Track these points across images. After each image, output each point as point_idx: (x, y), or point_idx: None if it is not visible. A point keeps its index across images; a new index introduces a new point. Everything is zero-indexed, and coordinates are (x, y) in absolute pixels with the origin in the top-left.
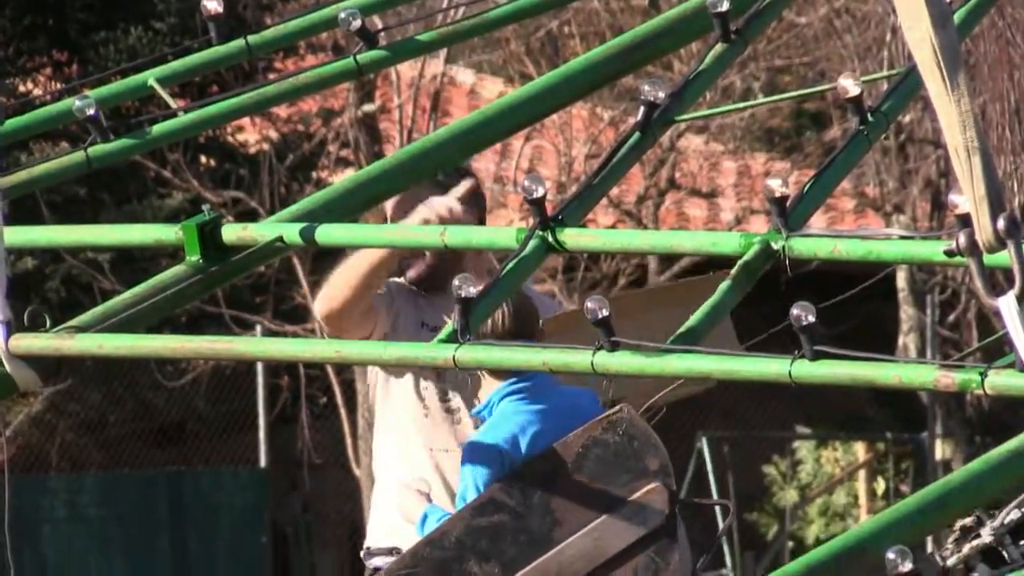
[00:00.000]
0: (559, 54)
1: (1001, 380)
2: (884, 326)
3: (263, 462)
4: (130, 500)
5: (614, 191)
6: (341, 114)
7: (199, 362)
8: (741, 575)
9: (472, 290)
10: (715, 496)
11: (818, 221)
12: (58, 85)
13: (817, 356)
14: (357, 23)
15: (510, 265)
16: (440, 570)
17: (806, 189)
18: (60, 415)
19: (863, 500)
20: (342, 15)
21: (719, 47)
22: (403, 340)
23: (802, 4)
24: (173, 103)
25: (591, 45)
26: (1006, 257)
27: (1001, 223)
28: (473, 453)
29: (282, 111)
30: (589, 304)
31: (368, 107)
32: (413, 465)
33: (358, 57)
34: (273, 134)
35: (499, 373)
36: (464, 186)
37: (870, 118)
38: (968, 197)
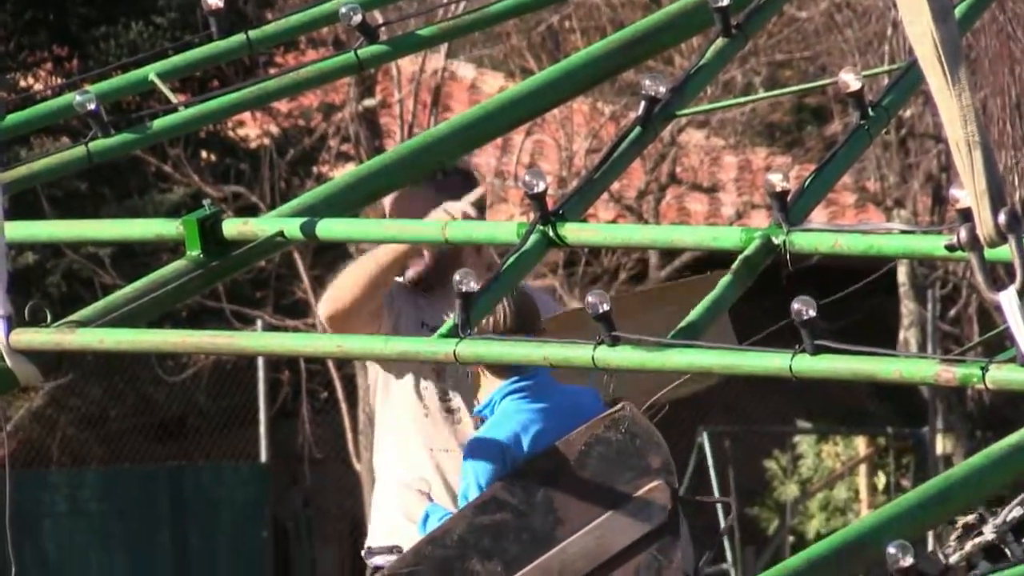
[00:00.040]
0: (560, 49)
1: (1002, 375)
2: (885, 321)
3: (264, 457)
4: (131, 495)
5: (615, 186)
6: (342, 109)
7: (200, 357)
8: (742, 570)
9: (473, 285)
10: (716, 490)
11: (819, 216)
12: (59, 80)
13: (818, 351)
14: (358, 18)
15: (511, 260)
16: (442, 568)
17: (807, 184)
18: (61, 410)
19: (864, 495)
20: (343, 10)
21: (720, 42)
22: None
23: None
24: (174, 98)
25: (592, 40)
26: (1007, 252)
27: (1002, 218)
28: (475, 451)
29: (283, 106)
30: (590, 299)
31: (369, 102)
32: (413, 465)
33: (359, 52)
34: (274, 129)
35: (500, 372)
36: (477, 192)
37: (871, 113)
38: (969, 192)
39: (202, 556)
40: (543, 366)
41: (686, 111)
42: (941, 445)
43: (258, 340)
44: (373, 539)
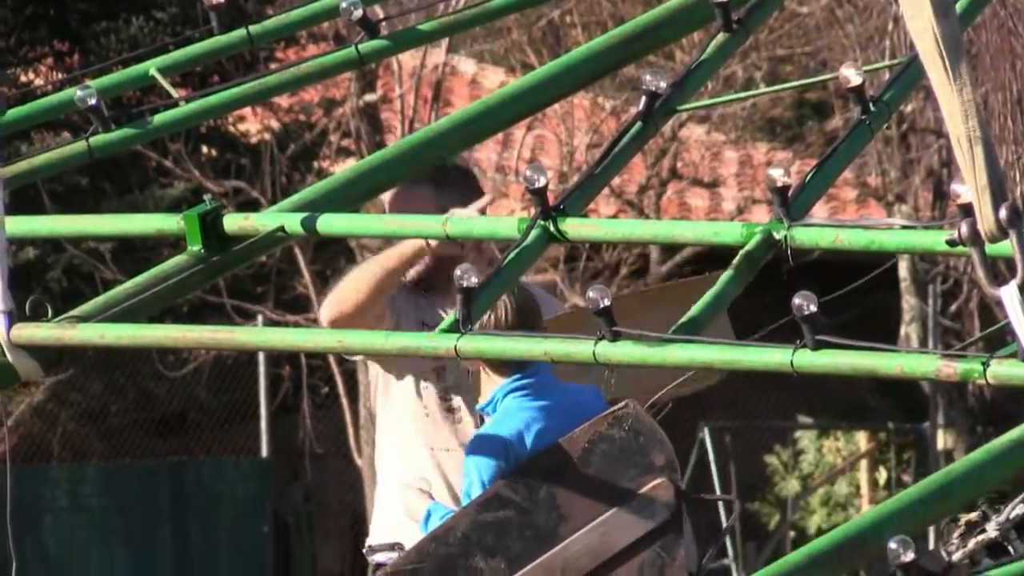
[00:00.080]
0: (561, 44)
1: (1003, 370)
2: (886, 316)
3: (265, 452)
4: (131, 490)
5: (616, 181)
6: (343, 104)
7: (200, 352)
8: (743, 565)
9: (474, 280)
10: (717, 485)
11: (820, 211)
12: (59, 75)
13: (819, 346)
14: (359, 12)
15: (512, 255)
16: (446, 565)
17: (808, 179)
18: (61, 405)
19: (865, 490)
20: (344, 4)
21: (721, 37)
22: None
23: None
24: (174, 93)
25: (593, 35)
26: (1008, 247)
27: (1003, 213)
28: (478, 449)
29: (283, 101)
30: (591, 294)
31: (370, 97)
32: (414, 465)
33: (360, 47)
34: (274, 124)
35: (502, 370)
36: (485, 200)
37: (872, 108)
38: (970, 187)
39: (203, 551)
40: (545, 365)
41: (687, 106)
42: (942, 440)
43: (259, 335)
44: (374, 537)
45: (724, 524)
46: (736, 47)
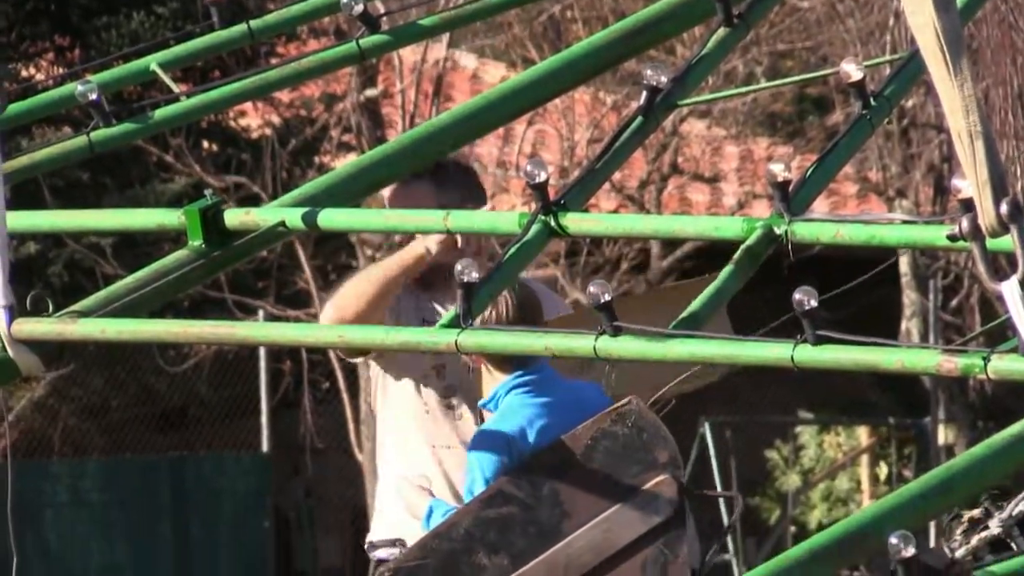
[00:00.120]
0: (561, 38)
1: (1004, 365)
2: (887, 311)
3: (265, 447)
4: (132, 485)
5: (616, 176)
6: (343, 99)
7: (201, 347)
8: (743, 560)
9: (474, 275)
10: (718, 481)
11: (820, 206)
12: (60, 70)
13: (819, 341)
14: (359, 7)
15: (512, 250)
16: (449, 562)
17: (809, 174)
18: (62, 400)
19: (866, 485)
20: (344, 0)
21: (721, 31)
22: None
23: None
24: (175, 88)
25: (593, 29)
26: (1009, 242)
27: (1004, 207)
28: (481, 445)
29: (284, 96)
30: (592, 289)
31: (370, 92)
32: (415, 462)
33: (360, 42)
34: (275, 119)
35: (504, 366)
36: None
37: (873, 103)
38: (971, 182)
39: (203, 546)
40: (546, 362)
41: (688, 101)
42: (943, 435)
43: (260, 330)
44: (375, 533)
45: (725, 520)
46: (737, 42)
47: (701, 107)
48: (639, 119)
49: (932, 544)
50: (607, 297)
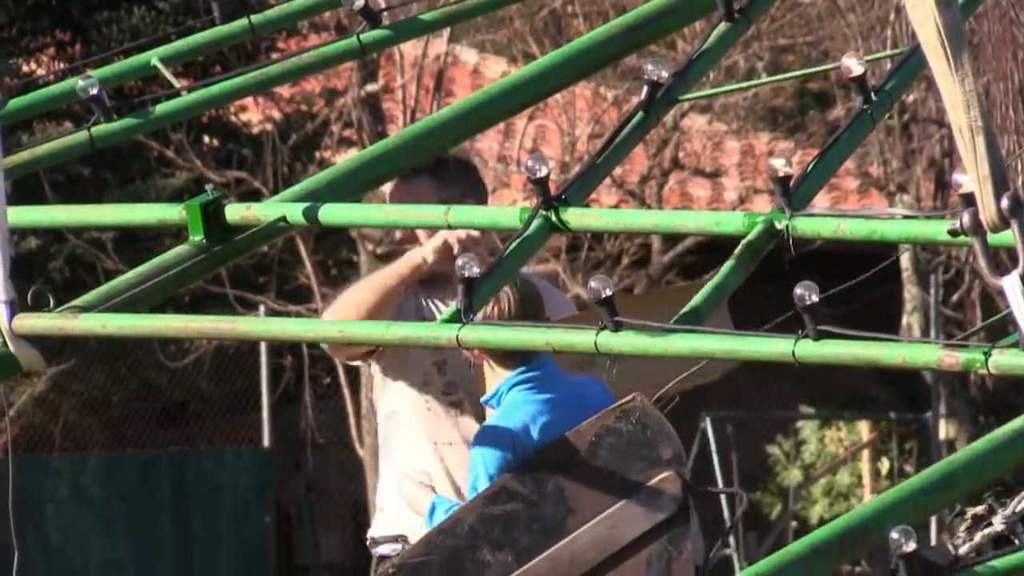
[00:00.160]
0: (562, 33)
1: (1005, 360)
2: (888, 306)
3: (266, 442)
4: (133, 480)
5: (617, 171)
6: (344, 94)
7: (202, 342)
8: (744, 555)
9: (475, 270)
10: (719, 476)
11: (821, 201)
12: (61, 65)
13: (820, 336)
14: (360, 2)
15: (513, 245)
16: (453, 558)
17: (810, 169)
18: (63, 395)
19: (867, 480)
20: None
21: (723, 26)
22: (405, 349)
23: None
24: (176, 83)
25: (594, 24)
26: (1010, 236)
27: (1005, 202)
28: (484, 442)
29: (285, 91)
30: (592, 284)
31: (371, 87)
32: (416, 459)
33: (361, 37)
34: (276, 114)
35: (506, 363)
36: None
37: (874, 97)
38: (972, 176)
39: (204, 541)
40: (548, 358)
41: (689, 96)
42: (944, 430)
43: (261, 325)
44: (377, 529)
45: (726, 515)
46: (738, 37)
47: (702, 102)
48: (640, 114)
49: (934, 540)
50: (608, 292)
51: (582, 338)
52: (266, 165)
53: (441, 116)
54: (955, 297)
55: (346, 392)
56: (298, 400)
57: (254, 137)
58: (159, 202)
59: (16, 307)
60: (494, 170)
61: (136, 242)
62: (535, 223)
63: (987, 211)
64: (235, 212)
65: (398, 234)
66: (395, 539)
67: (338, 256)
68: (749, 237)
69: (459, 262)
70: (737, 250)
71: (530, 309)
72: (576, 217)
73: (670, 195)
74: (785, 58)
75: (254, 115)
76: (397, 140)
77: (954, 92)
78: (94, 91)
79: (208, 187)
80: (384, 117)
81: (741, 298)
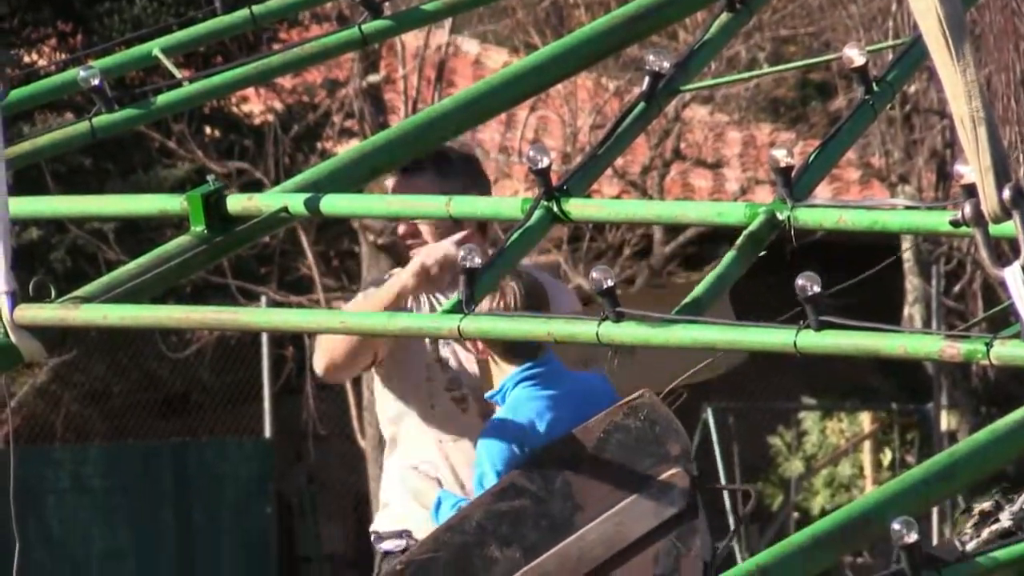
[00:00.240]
0: (564, 24)
1: (1006, 350)
2: (889, 297)
3: (268, 433)
4: (134, 471)
5: (619, 161)
6: (346, 85)
7: (204, 333)
8: (746, 546)
9: (477, 260)
10: (720, 467)
11: (823, 191)
12: (63, 56)
13: (822, 326)
14: None
15: (515, 235)
16: (461, 554)
17: (811, 159)
18: (65, 386)
19: (868, 471)
20: None
21: (724, 17)
22: (406, 347)
23: None
24: (178, 73)
25: (596, 15)
26: (1012, 227)
27: (1007, 193)
28: (490, 439)
29: (287, 82)
30: (594, 274)
31: (373, 78)
32: (421, 452)
33: (363, 27)
34: (278, 105)
35: (511, 358)
36: (462, 234)
37: (875, 88)
38: (974, 167)
39: (206, 532)
40: (553, 355)
41: (690, 86)
42: (946, 421)
43: (262, 316)
44: (381, 524)
45: (728, 507)
46: (739, 27)
47: (704, 93)
48: (641, 105)
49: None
50: (610, 283)
51: (584, 329)
52: (267, 156)
53: (443, 107)
54: (957, 288)
55: (348, 383)
56: (300, 391)
57: (255, 128)
58: (160, 193)
59: (17, 298)
60: (496, 161)
61: (138, 233)
62: (537, 214)
63: (989, 202)
64: (236, 203)
65: (400, 229)
66: (399, 535)
67: (340, 247)
68: (751, 228)
69: (460, 252)
70: (738, 241)
71: (535, 304)
72: (578, 208)
73: (672, 186)
74: (787, 49)
75: (256, 106)
76: (398, 131)
77: (956, 83)
78: (95, 81)
79: (210, 178)
80: (386, 108)
81: (743, 289)
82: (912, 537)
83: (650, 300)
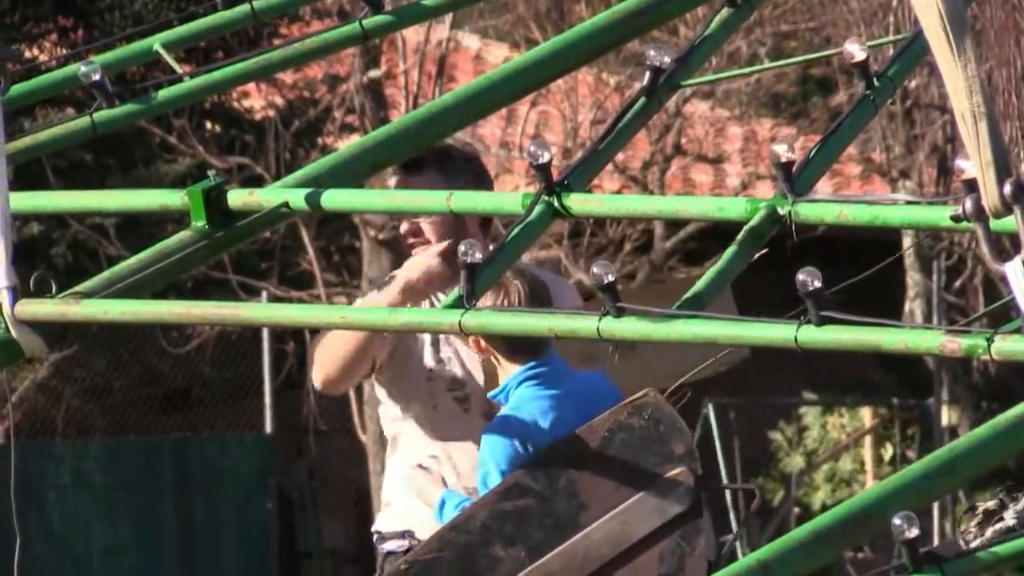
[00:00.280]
0: (565, 19)
1: (1007, 345)
2: (890, 292)
3: (269, 428)
4: (135, 466)
5: (620, 157)
6: (346, 80)
7: (204, 328)
8: (747, 542)
9: (478, 256)
10: (721, 463)
11: (824, 187)
12: (64, 51)
13: (823, 321)
14: None
15: (516, 230)
16: (465, 554)
17: (812, 154)
18: (66, 381)
19: (869, 466)
20: None
21: (725, 12)
22: (407, 348)
23: None
24: (179, 68)
25: (597, 10)
26: (1012, 222)
27: (1007, 188)
28: (494, 438)
29: (287, 77)
30: (595, 270)
31: (373, 73)
32: (424, 454)
33: (363, 22)
34: (279, 100)
35: (514, 357)
36: (442, 245)
37: (876, 83)
38: (974, 162)
39: (207, 527)
40: (556, 354)
41: (691, 82)
42: (947, 416)
43: (263, 311)
44: (383, 524)
45: (729, 504)
46: (740, 22)
47: (704, 88)
48: (642, 100)
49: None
50: (610, 278)
51: (584, 324)
52: (268, 151)
53: (443, 102)
54: (957, 283)
55: None
56: (300, 386)
57: (256, 123)
58: (161, 188)
59: (18, 293)
60: (496, 156)
61: (138, 228)
62: (537, 209)
63: (989, 197)
64: (237, 198)
65: (402, 228)
66: (402, 535)
67: (340, 242)
68: (751, 223)
69: (461, 248)
70: (739, 236)
71: (539, 302)
72: (578, 203)
73: (672, 181)
74: (787, 44)
75: (256, 101)
76: (399, 126)
77: (956, 78)
78: (96, 77)
79: (210, 173)
80: (386, 103)
81: (744, 284)
82: (913, 532)
83: (651, 295)
